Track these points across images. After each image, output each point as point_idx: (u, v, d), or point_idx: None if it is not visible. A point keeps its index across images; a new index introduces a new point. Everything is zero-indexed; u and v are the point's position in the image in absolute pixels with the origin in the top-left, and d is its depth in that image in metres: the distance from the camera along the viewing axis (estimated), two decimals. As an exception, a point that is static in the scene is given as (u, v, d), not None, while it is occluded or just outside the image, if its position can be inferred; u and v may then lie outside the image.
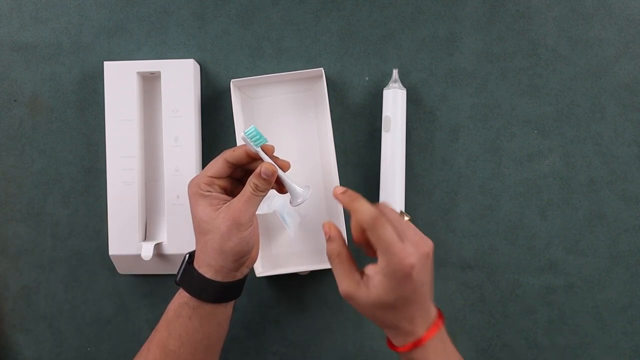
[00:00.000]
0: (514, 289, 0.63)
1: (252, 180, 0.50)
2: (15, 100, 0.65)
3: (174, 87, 0.61)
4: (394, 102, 0.61)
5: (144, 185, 0.63)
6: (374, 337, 0.64)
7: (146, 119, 0.63)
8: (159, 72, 0.61)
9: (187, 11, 0.65)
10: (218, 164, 0.51)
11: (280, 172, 0.51)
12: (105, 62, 0.62)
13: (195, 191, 0.50)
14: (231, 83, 0.61)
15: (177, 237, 0.61)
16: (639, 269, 0.63)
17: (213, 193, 0.50)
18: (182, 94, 0.61)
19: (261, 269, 0.61)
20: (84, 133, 0.65)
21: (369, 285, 0.46)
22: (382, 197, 0.61)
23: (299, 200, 0.52)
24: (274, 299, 0.65)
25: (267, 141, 0.51)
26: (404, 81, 0.63)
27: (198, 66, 0.64)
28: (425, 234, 0.63)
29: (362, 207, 0.46)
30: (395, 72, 0.62)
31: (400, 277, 0.44)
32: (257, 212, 0.60)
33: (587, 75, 0.63)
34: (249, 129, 0.50)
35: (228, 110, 0.63)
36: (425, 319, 0.47)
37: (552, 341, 0.63)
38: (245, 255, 0.51)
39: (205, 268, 0.50)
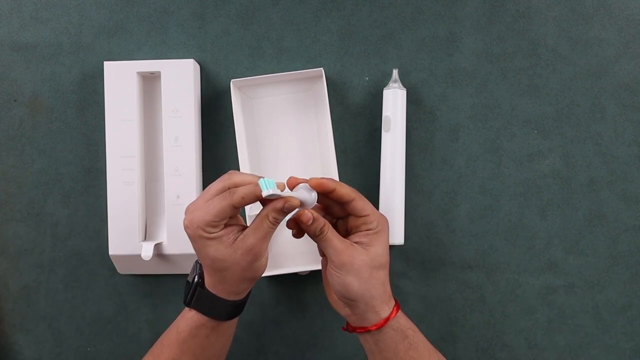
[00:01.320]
0: (514, 289, 0.63)
1: (271, 214, 0.47)
2: (15, 100, 0.65)
3: (174, 87, 0.61)
4: (394, 102, 0.61)
5: (144, 185, 0.63)
6: (374, 337, 0.64)
7: (146, 119, 0.63)
8: (159, 72, 0.61)
9: (187, 11, 0.65)
10: (223, 209, 0.46)
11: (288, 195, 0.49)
12: (105, 62, 0.62)
13: (199, 235, 0.47)
14: (231, 83, 0.61)
15: (177, 237, 0.61)
16: (639, 269, 0.63)
17: (221, 231, 0.47)
18: (182, 94, 0.61)
19: (261, 269, 0.61)
20: (84, 133, 0.65)
21: (365, 244, 0.50)
22: (382, 197, 0.61)
23: (310, 205, 0.50)
24: (274, 299, 0.65)
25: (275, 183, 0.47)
26: (404, 81, 0.63)
27: (198, 66, 0.64)
28: (425, 234, 0.64)
29: (342, 186, 0.50)
30: (395, 72, 0.62)
31: (386, 231, 0.51)
32: (257, 213, 0.60)
33: (587, 75, 0.63)
34: (266, 190, 0.45)
35: (228, 110, 0.63)
36: (388, 300, 0.51)
37: (552, 341, 0.63)
38: (262, 274, 0.52)
39: (225, 294, 0.50)
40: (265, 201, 0.49)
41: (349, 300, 0.50)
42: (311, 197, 0.49)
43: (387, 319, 0.50)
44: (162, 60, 0.62)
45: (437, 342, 0.63)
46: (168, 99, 0.61)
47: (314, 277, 0.64)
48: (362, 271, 0.49)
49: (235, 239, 0.48)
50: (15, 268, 0.65)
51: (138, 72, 0.61)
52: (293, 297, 0.65)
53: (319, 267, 0.61)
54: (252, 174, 0.49)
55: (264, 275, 0.60)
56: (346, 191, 0.49)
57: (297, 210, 0.49)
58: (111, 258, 0.62)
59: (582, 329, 0.63)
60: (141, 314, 0.65)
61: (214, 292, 0.50)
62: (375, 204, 0.62)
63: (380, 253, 0.50)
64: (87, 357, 0.65)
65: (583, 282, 0.63)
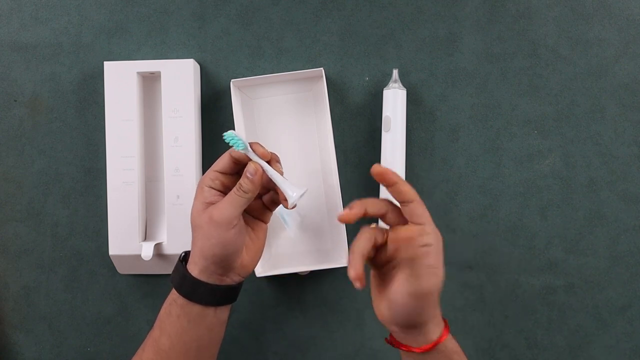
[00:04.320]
0: (514, 289, 0.63)
1: (238, 182, 0.49)
2: (15, 100, 0.65)
3: (174, 87, 0.61)
4: (394, 102, 0.61)
5: (144, 185, 0.63)
6: (374, 337, 0.64)
7: (146, 119, 0.63)
8: (159, 72, 0.61)
9: (187, 11, 0.65)
10: (224, 159, 0.51)
11: (271, 171, 0.49)
12: (105, 62, 0.62)
13: (200, 185, 0.50)
14: (231, 83, 0.61)
15: (177, 237, 0.61)
16: (639, 269, 0.63)
17: (212, 189, 0.50)
18: (182, 94, 0.61)
19: (261, 269, 0.61)
20: (84, 133, 0.65)
21: (437, 274, 0.45)
22: (382, 197, 0.61)
23: (291, 201, 0.49)
24: (274, 299, 0.65)
25: (244, 145, 0.49)
26: (404, 81, 0.63)
27: (198, 66, 0.64)
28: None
29: (407, 185, 0.47)
30: (395, 72, 0.62)
31: (441, 243, 0.46)
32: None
33: (587, 75, 0.63)
34: (226, 133, 0.49)
35: (228, 110, 0.63)
36: (438, 321, 0.48)
37: (552, 341, 0.63)
38: (226, 260, 0.49)
39: (192, 266, 0.50)
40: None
41: (410, 325, 0.46)
42: (292, 194, 0.49)
43: (436, 343, 0.46)
44: (162, 60, 0.62)
45: (437, 342, 0.63)
46: (168, 99, 0.61)
47: (314, 277, 0.64)
48: (435, 299, 0.45)
49: (212, 204, 0.49)
50: (15, 268, 0.65)
51: (138, 72, 0.61)
52: (293, 297, 0.65)
53: (319, 267, 0.61)
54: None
55: (264, 275, 0.60)
56: (408, 189, 0.46)
57: (285, 208, 0.50)
58: (111, 258, 0.62)
59: (582, 329, 0.63)
60: (141, 314, 0.65)
61: (188, 265, 0.50)
62: (375, 204, 0.62)
63: (442, 275, 0.45)
64: (87, 357, 0.65)
65: (583, 282, 0.63)
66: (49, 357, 0.65)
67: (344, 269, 0.63)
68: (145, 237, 0.63)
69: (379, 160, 0.62)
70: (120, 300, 0.65)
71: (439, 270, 0.45)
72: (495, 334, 0.63)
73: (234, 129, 0.62)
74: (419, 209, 0.46)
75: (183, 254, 0.53)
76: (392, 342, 0.49)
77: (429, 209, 0.63)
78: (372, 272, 0.50)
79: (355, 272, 0.44)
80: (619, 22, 0.63)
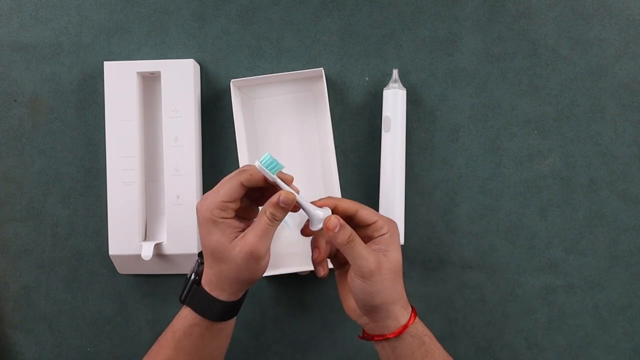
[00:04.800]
0: (514, 289, 0.63)
1: (268, 209, 0.47)
2: (15, 100, 0.65)
3: (174, 87, 0.61)
4: (394, 102, 0.61)
5: (144, 185, 0.63)
6: (374, 337, 0.64)
7: (146, 119, 0.63)
8: (159, 72, 0.61)
9: (187, 11, 0.65)
10: (233, 187, 0.47)
11: (299, 197, 0.48)
12: (105, 62, 0.62)
13: (207, 217, 0.47)
14: (231, 83, 0.61)
15: (177, 237, 0.61)
16: (639, 269, 0.63)
17: (227, 220, 0.47)
18: (182, 94, 0.61)
19: (261, 269, 0.61)
20: (84, 133, 0.65)
21: (383, 250, 0.49)
22: (382, 197, 0.61)
23: (320, 226, 0.49)
24: (274, 299, 0.65)
25: (283, 167, 0.47)
26: (404, 81, 0.63)
27: (198, 66, 0.64)
28: (425, 234, 0.64)
29: (342, 200, 0.50)
30: (395, 72, 0.62)
31: (397, 233, 0.51)
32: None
33: (587, 75, 0.63)
34: (264, 157, 0.47)
35: (228, 110, 0.63)
36: (405, 305, 0.50)
37: (552, 341, 0.63)
38: (259, 279, 0.50)
39: (219, 292, 0.49)
40: (274, 192, 0.48)
41: (372, 308, 0.49)
42: (322, 216, 0.47)
43: (406, 326, 0.49)
44: (162, 60, 0.62)
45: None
46: (168, 99, 0.61)
47: (314, 277, 0.64)
48: (388, 278, 0.48)
49: (236, 237, 0.47)
50: (15, 268, 0.65)
51: (138, 72, 0.61)
52: (293, 297, 0.65)
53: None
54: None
55: (264, 275, 0.60)
56: (347, 205, 0.49)
57: (311, 229, 0.49)
58: (111, 258, 0.62)
59: (582, 329, 0.63)
60: (141, 314, 0.65)
61: (208, 290, 0.49)
62: (376, 204, 0.62)
63: (398, 258, 0.49)
64: (87, 357, 0.65)
65: (583, 282, 0.63)
66: (49, 357, 0.65)
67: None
68: (145, 237, 0.63)
69: (379, 160, 0.62)
70: (120, 300, 0.65)
71: (389, 252, 0.49)
72: (495, 334, 0.63)
73: (234, 131, 0.62)
74: (364, 213, 0.50)
75: (194, 276, 0.51)
76: (365, 336, 0.52)
77: (429, 209, 0.64)
78: (336, 273, 0.54)
79: (317, 256, 0.51)
80: (619, 22, 0.63)
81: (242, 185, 0.47)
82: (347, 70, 0.64)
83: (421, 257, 0.64)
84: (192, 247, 0.61)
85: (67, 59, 0.65)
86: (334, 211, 0.49)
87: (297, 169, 0.64)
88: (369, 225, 0.50)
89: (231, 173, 0.49)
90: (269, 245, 0.48)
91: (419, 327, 0.50)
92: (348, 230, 0.47)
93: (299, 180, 0.64)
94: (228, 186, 0.47)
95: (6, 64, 0.65)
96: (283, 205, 0.47)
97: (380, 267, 0.47)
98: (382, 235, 0.49)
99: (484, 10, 0.64)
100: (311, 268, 0.61)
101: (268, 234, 0.47)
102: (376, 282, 0.47)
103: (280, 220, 0.48)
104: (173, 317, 0.53)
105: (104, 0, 0.65)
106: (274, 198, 0.47)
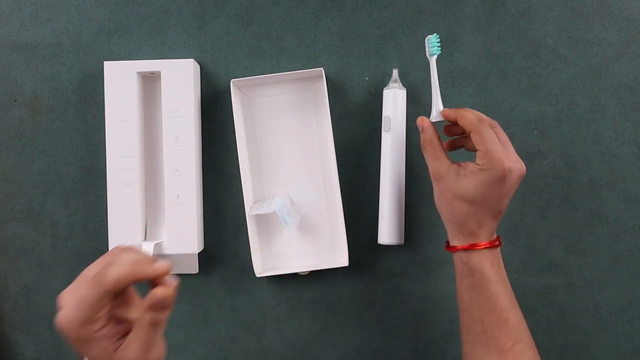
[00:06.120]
0: (514, 288, 0.63)
1: (146, 317, 0.39)
2: (15, 100, 0.65)
3: (174, 87, 0.61)
4: (394, 102, 0.61)
5: (144, 185, 0.63)
6: (374, 337, 0.64)
7: (146, 119, 0.63)
8: (159, 72, 0.61)
9: (187, 11, 0.65)
10: (98, 298, 0.38)
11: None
12: (105, 62, 0.62)
13: (76, 337, 0.38)
14: (231, 83, 0.61)
15: (177, 237, 0.61)
16: (639, 269, 0.63)
17: (101, 331, 0.39)
18: (182, 94, 0.61)
19: (261, 269, 0.61)
20: (84, 133, 0.65)
21: (461, 174, 0.50)
22: (382, 197, 0.61)
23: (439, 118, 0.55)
24: (274, 299, 0.65)
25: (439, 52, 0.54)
26: (404, 81, 0.63)
27: (198, 66, 0.64)
28: (425, 234, 0.64)
29: (468, 113, 0.51)
30: (395, 72, 0.62)
31: (494, 175, 0.48)
32: (257, 213, 0.60)
33: (587, 75, 0.63)
34: (432, 36, 0.55)
35: (228, 110, 0.63)
36: (488, 232, 0.51)
37: (552, 341, 0.63)
38: None
39: None
40: (155, 283, 0.41)
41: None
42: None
43: (451, 248, 0.52)
44: (162, 60, 0.62)
45: (437, 341, 0.63)
46: (168, 98, 0.61)
47: (314, 277, 0.64)
48: (446, 196, 0.51)
49: (118, 348, 0.39)
50: (15, 268, 0.65)
51: (138, 72, 0.61)
52: (293, 297, 0.65)
53: (319, 267, 0.61)
54: (146, 255, 0.41)
55: (264, 275, 0.60)
56: (469, 120, 0.50)
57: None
58: (111, 258, 0.62)
59: (582, 329, 0.63)
60: (141, 314, 0.65)
61: None
62: (376, 203, 0.62)
63: (468, 188, 0.49)
64: (87, 357, 0.65)
65: (583, 282, 0.63)
66: (49, 357, 0.65)
67: (344, 269, 0.63)
68: (145, 237, 0.63)
69: (379, 160, 0.62)
70: (120, 300, 0.65)
71: (468, 182, 0.49)
72: (495, 334, 0.63)
73: (234, 131, 0.62)
74: (475, 138, 0.49)
75: None
76: (446, 247, 0.54)
77: (429, 208, 0.64)
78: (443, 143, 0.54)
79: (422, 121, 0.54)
80: (619, 22, 0.63)
81: (108, 293, 0.38)
82: (347, 70, 0.64)
83: (421, 257, 0.64)
84: (192, 247, 0.61)
85: (67, 58, 0.65)
86: (454, 123, 0.53)
87: (297, 169, 0.64)
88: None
89: (98, 262, 0.40)
90: (160, 349, 0.41)
91: (473, 259, 0.50)
92: (428, 136, 0.52)
93: (299, 180, 0.64)
94: (90, 299, 0.38)
95: (6, 64, 0.65)
96: (161, 306, 0.39)
97: (440, 175, 0.51)
98: (476, 164, 0.49)
99: (484, 10, 0.64)
100: (311, 268, 0.61)
101: (154, 341, 0.40)
102: (436, 190, 0.52)
103: (165, 320, 0.40)
104: (172, 317, 0.53)
105: (104, 0, 0.65)
106: (148, 300, 0.39)
